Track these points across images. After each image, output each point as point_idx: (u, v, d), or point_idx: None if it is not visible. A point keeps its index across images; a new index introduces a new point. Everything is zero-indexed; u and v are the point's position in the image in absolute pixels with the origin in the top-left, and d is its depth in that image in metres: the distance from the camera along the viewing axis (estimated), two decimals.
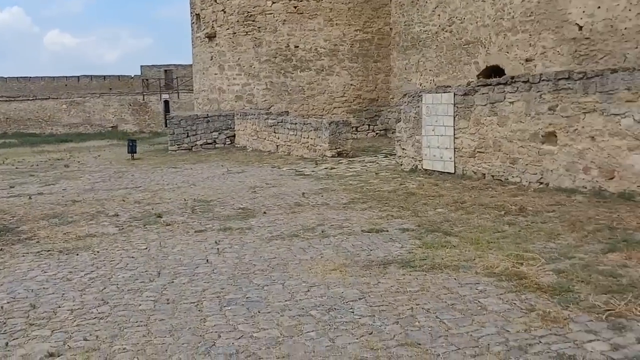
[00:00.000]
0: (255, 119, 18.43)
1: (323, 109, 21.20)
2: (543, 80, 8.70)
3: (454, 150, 10.60)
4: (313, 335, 3.87)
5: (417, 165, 11.64)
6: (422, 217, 7.59)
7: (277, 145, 17.26)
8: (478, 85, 9.96)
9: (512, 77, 9.26)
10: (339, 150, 14.91)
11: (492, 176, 9.81)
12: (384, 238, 6.55)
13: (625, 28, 12.96)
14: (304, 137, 15.87)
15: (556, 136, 8.62)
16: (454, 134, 10.55)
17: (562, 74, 8.40)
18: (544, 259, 5.23)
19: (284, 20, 20.64)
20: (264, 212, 8.58)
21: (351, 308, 4.33)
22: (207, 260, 6.08)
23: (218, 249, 6.52)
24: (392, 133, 19.79)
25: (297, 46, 20.80)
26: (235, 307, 4.54)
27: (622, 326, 3.65)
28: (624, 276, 4.55)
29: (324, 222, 7.61)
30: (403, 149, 12.00)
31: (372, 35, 21.47)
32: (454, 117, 10.52)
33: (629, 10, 12.87)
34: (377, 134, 21.17)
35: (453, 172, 10.67)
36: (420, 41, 20.08)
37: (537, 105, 8.84)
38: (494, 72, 16.68)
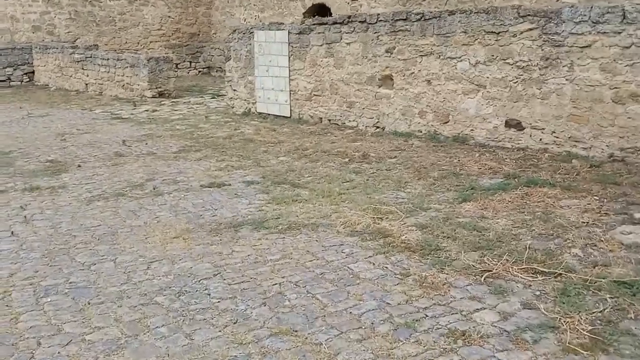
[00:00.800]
0: (59, 53, 16.14)
1: (138, 44, 19.33)
2: (380, 20, 8.42)
3: (290, 93, 10.08)
4: (164, 332, 3.14)
5: (250, 109, 10.95)
6: (265, 167, 7.01)
7: (87, 84, 15.35)
8: (314, 24, 9.44)
9: (349, 17, 8.86)
10: (160, 90, 13.61)
11: (329, 120, 9.50)
12: (228, 194, 5.86)
13: None
14: (119, 75, 14.24)
15: (393, 80, 8.48)
16: (290, 76, 10.00)
17: (400, 14, 8.18)
18: (402, 212, 4.97)
19: None
20: (79, 165, 7.36)
21: (206, 289, 3.65)
22: (12, 232, 4.91)
23: (25, 215, 5.33)
24: (217, 71, 18.74)
25: None
26: (57, 297, 3.60)
27: (502, 289, 3.46)
28: (488, 229, 4.43)
29: (154, 176, 6.69)
30: (234, 90, 11.19)
31: None
32: (289, 57, 9.94)
33: None
34: (199, 72, 19.91)
35: (289, 116, 10.18)
36: None
37: (374, 47, 8.58)
38: (320, 10, 16.34)
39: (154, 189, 6.11)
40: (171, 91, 13.82)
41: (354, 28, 8.80)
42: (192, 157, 7.69)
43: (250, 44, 10.65)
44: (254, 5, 18.72)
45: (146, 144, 8.80)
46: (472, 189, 5.54)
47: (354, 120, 9.10)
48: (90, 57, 15.04)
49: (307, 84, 9.75)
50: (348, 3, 15.64)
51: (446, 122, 7.90)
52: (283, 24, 10.20)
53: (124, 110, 12.25)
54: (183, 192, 5.96)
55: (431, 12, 7.86)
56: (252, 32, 10.58)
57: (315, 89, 9.61)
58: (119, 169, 7.12)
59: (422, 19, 7.91)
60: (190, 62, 19.99)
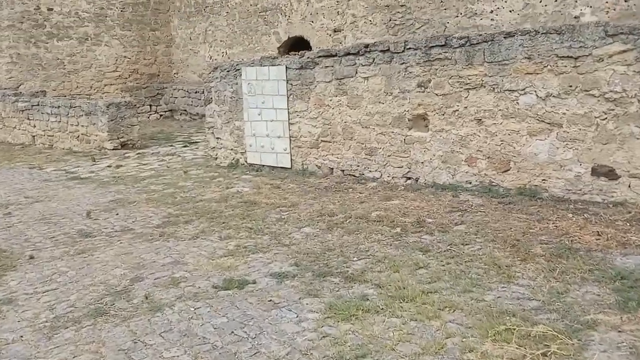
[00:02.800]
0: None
1: (91, 87, 17.29)
2: (410, 48, 6.80)
3: (290, 140, 8.31)
4: None
5: (238, 159, 9.11)
6: (290, 245, 5.19)
7: (34, 136, 13.20)
8: (319, 57, 7.75)
9: (367, 46, 7.22)
10: (122, 140, 11.63)
11: (343, 171, 7.76)
12: (259, 301, 3.99)
13: None
14: (72, 125, 12.18)
15: (428, 119, 6.83)
16: (289, 119, 8.25)
17: (437, 39, 6.58)
18: (561, 334, 3.21)
19: None
20: (30, 257, 5.36)
21: None
22: None
23: None
24: (181, 114, 16.88)
25: (51, 9, 16.48)
26: None
27: None
28: None
29: (140, 273, 4.76)
30: (217, 138, 9.35)
31: None
32: (288, 97, 8.20)
33: None
34: (161, 115, 17.93)
35: (290, 166, 8.39)
36: (206, 7, 17.28)
37: (401, 81, 6.94)
38: (296, 44, 14.77)
39: (146, 298, 4.18)
40: (135, 141, 11.85)
41: (374, 59, 7.16)
42: (185, 234, 5.79)
43: (236, 84, 8.87)
44: (221, 41, 17.02)
45: (117, 214, 6.85)
46: (620, 277, 3.85)
47: (376, 171, 7.38)
48: (37, 105, 12.94)
49: (312, 129, 8.01)
50: (330, 35, 14.13)
51: (506, 171, 6.27)
52: (277, 57, 8.48)
53: (81, 167, 10.22)
54: (191, 302, 4.06)
55: (480, 35, 6.29)
56: (238, 70, 8.82)
57: (323, 134, 7.88)
58: (89, 261, 5.15)
59: (468, 44, 6.32)
60: (151, 105, 18.01)
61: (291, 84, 8.14)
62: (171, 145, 12.19)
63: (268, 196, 7.08)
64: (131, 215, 6.77)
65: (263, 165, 8.75)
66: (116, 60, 17.63)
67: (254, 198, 7.04)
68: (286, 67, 8.15)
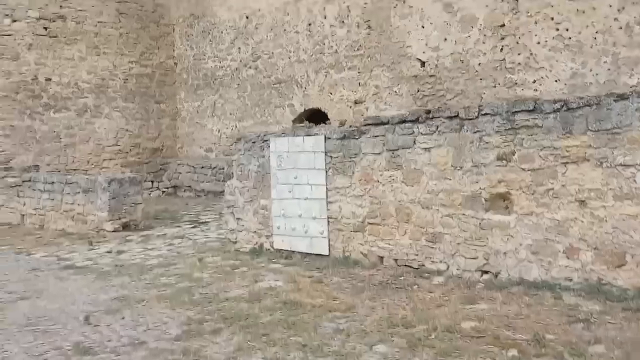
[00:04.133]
0: None
1: (88, 162, 16.09)
2: (486, 114, 5.62)
3: (328, 222, 6.99)
4: None
5: (262, 244, 7.76)
6: None
7: (23, 215, 11.83)
8: (367, 124, 6.57)
9: (428, 112, 6.05)
10: (124, 221, 10.27)
11: (396, 260, 6.40)
12: None
13: (479, 64, 10.98)
14: (67, 203, 10.85)
15: (511, 199, 5.56)
16: (328, 197, 6.97)
17: (523, 104, 5.41)
18: None
19: (30, 45, 15.24)
20: None
21: None
22: None
23: None
24: (185, 191, 15.63)
25: (50, 79, 15.53)
26: None
27: None
28: None
29: None
30: (238, 218, 8.02)
31: (152, 69, 17.16)
32: (327, 172, 6.96)
33: (483, 42, 10.93)
34: (163, 192, 16.66)
35: (327, 253, 7.03)
36: (216, 79, 16.42)
37: (475, 152, 5.72)
38: (313, 116, 13.76)
39: None
40: (139, 221, 10.49)
41: (437, 127, 5.97)
42: (216, 353, 4.34)
43: (263, 157, 7.65)
44: (230, 114, 16.03)
45: (123, 318, 5.41)
46: None
47: (442, 262, 6.03)
48: (29, 180, 11.65)
49: (356, 209, 6.71)
50: (350, 107, 13.15)
51: (620, 266, 4.94)
52: (313, 126, 7.30)
53: (76, 253, 8.79)
54: None
55: (581, 99, 5.12)
56: (266, 141, 7.62)
57: (371, 215, 6.58)
58: None
59: (565, 108, 5.15)
60: (152, 181, 16.77)
61: (330, 157, 6.92)
62: (178, 226, 10.82)
63: (311, 294, 5.67)
64: (141, 320, 5.32)
65: (293, 252, 7.38)
66: (117, 133, 16.54)
67: (293, 297, 5.63)
68: (325, 137, 6.96)
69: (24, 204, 11.73)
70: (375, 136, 6.49)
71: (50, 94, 15.51)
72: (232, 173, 8.08)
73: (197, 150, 17.23)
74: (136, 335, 4.90)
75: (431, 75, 11.72)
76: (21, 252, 9.11)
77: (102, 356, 4.44)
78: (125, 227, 10.26)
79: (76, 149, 15.86)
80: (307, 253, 7.24)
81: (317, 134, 7.06)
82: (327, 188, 6.97)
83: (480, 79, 11.05)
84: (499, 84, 10.82)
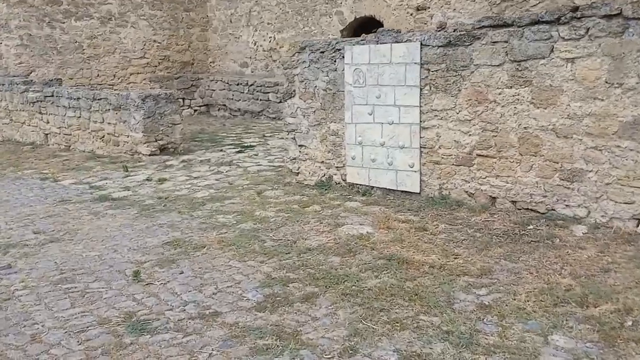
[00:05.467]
0: (6, 91, 11.44)
1: (114, 76, 14.71)
2: None
3: (421, 152, 5.64)
4: None
5: (332, 176, 6.47)
6: None
7: (47, 134, 10.64)
8: (482, 27, 5.06)
9: (576, 9, 4.53)
10: (161, 143, 9.02)
11: (514, 203, 5.08)
12: None
13: None
14: (96, 122, 9.60)
15: None
16: (422, 121, 5.58)
17: None
18: None
19: None
20: None
21: None
22: None
23: None
24: (219, 110, 14.29)
25: None
26: None
27: None
28: None
29: None
30: (301, 145, 6.70)
31: None
32: (422, 90, 5.54)
33: None
34: (195, 111, 15.33)
35: (418, 191, 5.72)
36: None
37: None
38: (365, 26, 12.10)
39: None
40: (178, 144, 9.23)
41: (588, 30, 4.46)
42: (324, 337, 3.15)
43: (335, 70, 6.22)
44: (268, 24, 14.36)
45: (182, 273, 4.24)
46: None
47: (580, 206, 4.70)
48: (52, 95, 10.36)
49: (461, 136, 5.33)
50: (411, 14, 11.45)
51: None
52: (404, 32, 5.80)
53: (110, 180, 7.62)
54: None
55: None
56: (339, 50, 6.15)
57: (482, 145, 5.20)
58: None
59: None
60: (184, 99, 15.39)
61: (428, 70, 5.47)
62: (221, 150, 9.56)
63: (419, 247, 4.42)
64: (205, 276, 4.15)
65: (372, 187, 6.09)
66: (144, 44, 15.03)
67: (397, 250, 4.38)
68: (421, 44, 5.48)
69: (48, 122, 10.51)
70: (494, 42, 5.01)
71: None
72: (294, 90, 6.68)
73: (231, 65, 15.71)
74: (204, 301, 3.73)
75: None
76: (47, 177, 7.98)
77: (166, 337, 3.27)
78: (163, 150, 9.02)
79: (100, 61, 14.44)
80: (390, 189, 5.94)
81: (410, 40, 5.57)
82: (421, 110, 5.57)
83: None
84: None
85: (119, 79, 14.72)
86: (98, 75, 14.45)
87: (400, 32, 5.78)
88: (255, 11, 14.64)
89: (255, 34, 14.74)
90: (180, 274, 4.26)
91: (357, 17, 12.43)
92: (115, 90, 12.82)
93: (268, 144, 10.02)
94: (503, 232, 4.62)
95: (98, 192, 7.01)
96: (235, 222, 5.49)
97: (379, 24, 11.97)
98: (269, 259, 4.44)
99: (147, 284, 4.09)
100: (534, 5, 9.77)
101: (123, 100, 8.98)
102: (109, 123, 9.36)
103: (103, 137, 9.52)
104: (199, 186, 7.07)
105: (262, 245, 4.76)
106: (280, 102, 12.68)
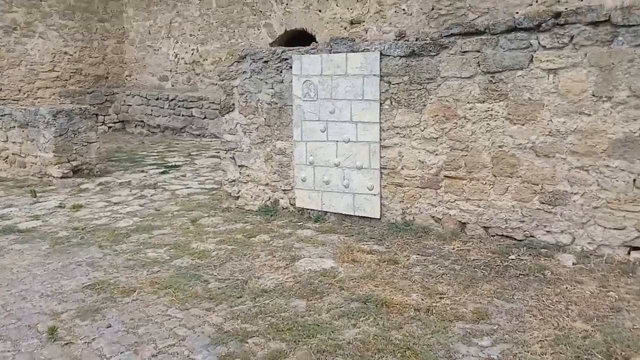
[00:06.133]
0: None
1: (19, 91, 13.33)
2: None
3: (381, 173, 5.06)
4: None
5: (277, 200, 5.77)
6: None
7: None
8: (450, 35, 4.57)
9: (558, 15, 4.12)
10: (75, 164, 7.97)
11: (486, 228, 4.59)
12: None
13: None
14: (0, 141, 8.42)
15: None
16: (382, 139, 5.01)
17: None
18: None
19: None
20: None
21: None
22: None
23: None
24: (136, 127, 13.25)
25: None
26: None
27: None
28: None
29: None
30: (242, 166, 5.96)
31: None
32: (382, 104, 4.97)
33: None
34: (110, 127, 14.14)
35: (378, 216, 5.12)
36: None
37: (636, 76, 3.88)
38: (296, 39, 11.56)
39: None
40: (93, 165, 8.21)
41: (572, 38, 4.06)
42: None
43: (281, 82, 5.55)
44: (191, 35, 13.52)
45: (109, 327, 3.40)
46: None
47: (564, 233, 4.26)
48: None
49: (427, 156, 4.80)
50: (345, 28, 11.01)
51: None
52: (359, 41, 5.24)
53: (16, 208, 6.55)
54: None
55: None
56: (285, 60, 5.50)
57: (451, 166, 4.69)
58: None
59: None
60: (97, 114, 14.15)
61: (389, 82, 4.92)
62: (142, 171, 8.61)
63: (394, 284, 3.80)
64: (140, 330, 3.33)
65: (326, 213, 5.45)
66: (54, 57, 13.74)
67: (368, 289, 3.74)
68: (381, 54, 4.92)
69: None
70: (464, 52, 4.52)
71: None
72: (233, 104, 5.94)
73: (149, 78, 14.69)
74: None
75: None
76: None
77: None
78: (77, 171, 7.98)
79: (4, 74, 13.03)
80: (347, 215, 5.32)
81: (368, 50, 5.01)
82: (381, 127, 5.00)
83: None
84: (537, 1, 8.98)
85: (24, 93, 13.34)
86: (1, 89, 13.02)
87: (354, 40, 5.20)
88: (177, 22, 13.75)
89: (177, 46, 13.84)
90: (108, 327, 3.42)
91: (288, 29, 11.87)
92: (20, 106, 11.52)
93: (195, 164, 9.17)
94: (484, 264, 4.08)
95: (1, 222, 5.94)
96: (168, 257, 4.67)
97: (311, 38, 11.46)
98: (216, 306, 3.67)
99: (66, 344, 3.23)
100: (473, 20, 9.58)
101: (31, 117, 7.88)
102: (13, 142, 8.21)
103: (7, 157, 8.34)
104: (120, 213, 6.15)
105: (206, 287, 3.98)
106: (205, 118, 11.86)
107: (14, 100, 12.83)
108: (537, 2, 8.98)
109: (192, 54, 13.55)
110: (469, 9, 9.60)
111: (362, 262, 4.23)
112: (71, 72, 13.98)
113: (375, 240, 4.77)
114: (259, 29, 12.27)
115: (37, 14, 13.32)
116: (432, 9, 9.92)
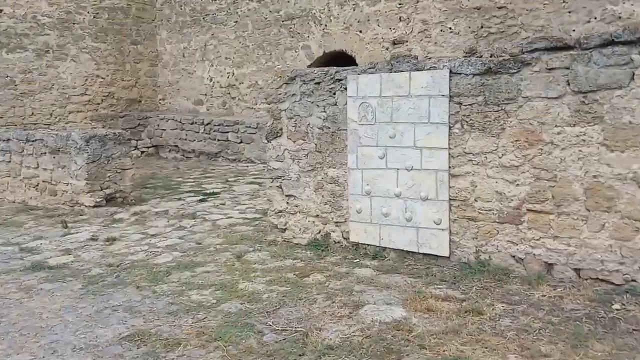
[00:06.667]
0: None
1: (51, 115, 13.12)
2: None
3: (450, 206, 4.49)
4: None
5: (328, 234, 5.24)
6: None
7: None
8: (533, 49, 4.03)
9: None
10: (108, 192, 7.57)
11: (578, 270, 3.98)
12: None
13: None
14: (30, 167, 8.08)
15: None
16: (451, 167, 4.46)
17: None
18: None
19: None
20: None
21: None
22: None
23: None
24: (170, 151, 12.89)
25: (1, 10, 12.37)
26: None
27: None
28: None
29: None
30: (289, 195, 5.46)
31: (127, 2, 14.08)
32: (451, 128, 4.43)
33: None
34: (143, 152, 13.84)
35: (447, 254, 4.55)
36: (206, 15, 13.51)
37: None
38: (335, 61, 11.13)
39: None
40: (128, 193, 7.80)
41: None
42: None
43: (334, 105, 5.06)
44: (226, 58, 13.21)
45: None
46: None
47: None
48: None
49: (506, 187, 4.23)
50: (387, 49, 10.54)
51: None
52: (423, 58, 4.73)
53: (45, 240, 6.14)
54: None
55: None
56: (340, 80, 5.01)
57: (535, 198, 4.11)
58: None
59: None
60: (130, 139, 13.86)
61: (460, 104, 4.38)
62: (180, 199, 8.18)
63: (485, 342, 3.21)
64: None
65: (384, 249, 4.89)
66: (85, 80, 13.54)
67: (454, 348, 3.16)
68: (450, 72, 4.40)
69: None
70: (550, 69, 3.97)
71: (2, 29, 12.36)
72: (280, 129, 5.46)
73: (184, 102, 14.41)
74: None
75: (500, 7, 9.20)
76: None
77: None
78: (110, 200, 7.57)
79: (35, 98, 12.85)
80: (409, 252, 4.76)
81: (435, 68, 4.49)
82: (450, 153, 4.46)
83: (569, 12, 8.61)
84: (595, 18, 8.41)
85: (56, 117, 13.13)
86: (32, 113, 12.83)
87: (417, 58, 4.69)
88: (212, 45, 13.46)
89: (212, 69, 13.53)
90: None
91: (326, 51, 11.47)
92: (52, 130, 11.27)
93: (234, 191, 8.72)
94: (585, 316, 3.48)
95: (30, 257, 5.52)
96: (215, 301, 4.16)
97: (351, 59, 11.04)
98: None
99: None
100: (525, 38, 9.02)
101: (62, 142, 7.53)
102: (44, 169, 7.86)
103: (37, 185, 7.99)
104: (158, 247, 5.69)
105: (261, 340, 3.45)
106: (241, 142, 11.45)
107: (45, 124, 12.63)
108: (595, 19, 8.41)
109: (228, 77, 13.22)
110: (521, 27, 9.06)
111: (439, 312, 3.66)
112: (103, 96, 13.76)
113: (448, 283, 4.20)
114: (296, 51, 11.89)
115: (69, 36, 13.16)
116: (481, 27, 9.40)
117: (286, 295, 4.16)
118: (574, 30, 8.52)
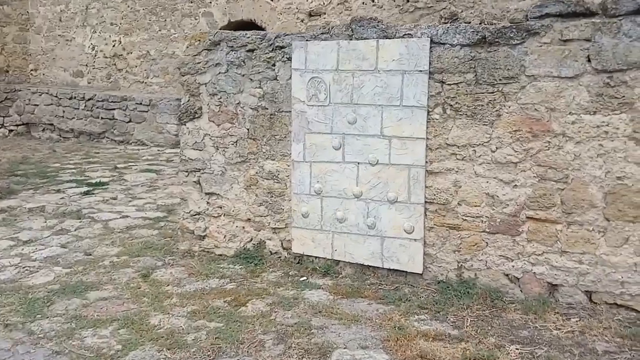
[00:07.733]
0: None
1: None
2: None
3: (426, 211, 3.56)
4: None
5: (262, 242, 4.15)
6: None
7: None
8: (542, 16, 3.16)
9: None
10: None
11: (589, 294, 3.21)
12: None
13: None
14: None
15: None
16: (428, 161, 3.52)
17: None
18: None
19: None
20: None
21: None
22: None
23: None
24: (44, 130, 11.09)
25: None
26: None
27: None
28: None
29: None
30: (211, 194, 4.28)
31: None
32: (430, 112, 3.49)
33: None
34: (11, 131, 11.79)
35: (420, 271, 3.62)
36: None
37: None
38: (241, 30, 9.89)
39: None
40: None
41: None
42: None
43: (275, 79, 3.94)
44: (112, 24, 11.50)
45: None
46: None
47: None
48: None
49: (500, 188, 3.37)
50: (302, 20, 9.50)
51: None
52: (401, 24, 3.74)
53: None
54: None
55: None
56: (282, 48, 3.90)
57: (538, 203, 3.28)
58: None
59: None
60: None
61: (442, 82, 3.44)
62: (58, 190, 6.67)
63: None
64: None
65: (337, 262, 3.89)
66: None
67: None
68: (431, 42, 3.44)
69: None
70: (565, 41, 3.13)
71: None
72: (199, 108, 4.25)
73: (60, 73, 12.47)
74: None
75: None
76: None
77: None
78: None
79: None
80: (370, 267, 3.78)
81: (410, 35, 3.50)
82: (428, 144, 3.51)
83: None
84: None
85: None
86: None
87: (389, 25, 3.69)
88: (94, 8, 11.67)
89: (94, 36, 11.75)
90: None
91: (232, 20, 10.18)
92: None
93: (126, 180, 7.32)
94: (605, 352, 2.69)
95: None
96: (119, 347, 2.96)
97: (260, 28, 9.84)
98: None
99: None
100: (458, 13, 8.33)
101: None
102: None
103: None
104: (34, 260, 4.31)
105: None
106: (130, 121, 9.97)
107: None
108: None
109: (114, 46, 11.51)
110: (450, 2, 8.34)
111: (420, 352, 2.72)
112: None
113: (430, 312, 3.27)
114: (196, 19, 10.49)
115: None
116: (407, 1, 8.59)
117: (220, 337, 3.04)
118: (509, 8, 7.93)
